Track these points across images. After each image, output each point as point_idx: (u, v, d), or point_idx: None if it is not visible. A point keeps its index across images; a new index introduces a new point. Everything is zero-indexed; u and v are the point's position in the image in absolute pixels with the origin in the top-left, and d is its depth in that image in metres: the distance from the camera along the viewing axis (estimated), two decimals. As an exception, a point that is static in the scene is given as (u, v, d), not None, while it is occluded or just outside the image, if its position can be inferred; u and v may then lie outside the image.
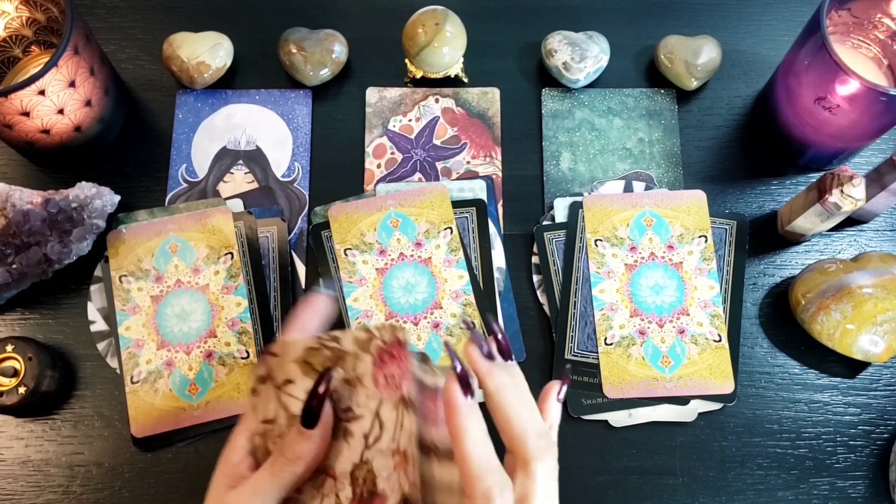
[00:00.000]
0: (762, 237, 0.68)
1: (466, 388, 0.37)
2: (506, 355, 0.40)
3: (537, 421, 0.39)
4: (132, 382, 0.62)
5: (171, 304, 0.64)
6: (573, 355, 0.63)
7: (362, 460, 0.39)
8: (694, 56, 0.69)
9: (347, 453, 0.39)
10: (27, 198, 0.63)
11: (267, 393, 0.39)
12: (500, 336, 0.39)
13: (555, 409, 0.41)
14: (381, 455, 0.39)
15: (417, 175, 0.69)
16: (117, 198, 0.65)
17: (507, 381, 0.39)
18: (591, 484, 0.61)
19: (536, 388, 0.63)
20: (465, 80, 0.72)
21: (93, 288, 0.65)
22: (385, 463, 0.38)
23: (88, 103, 0.64)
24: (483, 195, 0.68)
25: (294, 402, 0.37)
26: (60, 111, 0.62)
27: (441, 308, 0.64)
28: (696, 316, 0.64)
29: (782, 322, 0.65)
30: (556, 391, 0.41)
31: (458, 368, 0.37)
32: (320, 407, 0.37)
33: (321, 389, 0.37)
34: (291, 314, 0.43)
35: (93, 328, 0.64)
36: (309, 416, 0.37)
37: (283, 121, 0.71)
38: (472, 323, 0.40)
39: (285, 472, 0.38)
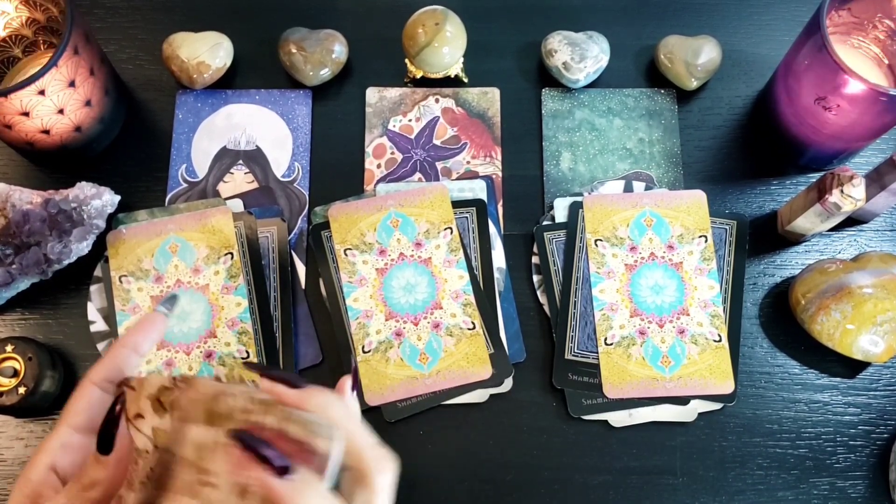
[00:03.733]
0: (762, 237, 0.68)
1: (282, 472, 0.33)
2: (293, 384, 0.36)
3: (367, 434, 0.37)
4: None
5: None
6: (573, 355, 0.63)
7: None
8: (694, 56, 0.69)
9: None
10: (27, 198, 0.63)
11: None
12: (281, 378, 0.36)
13: (353, 404, 0.40)
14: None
15: (417, 175, 0.69)
16: (117, 198, 0.65)
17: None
18: (591, 484, 0.61)
19: (537, 388, 0.64)
20: (465, 80, 0.72)
21: (93, 288, 0.65)
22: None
23: (88, 103, 0.64)
24: (483, 195, 0.68)
25: (140, 436, 0.36)
26: (60, 111, 0.62)
27: (441, 308, 0.64)
28: (696, 316, 0.64)
29: (782, 322, 0.65)
30: (348, 386, 0.40)
31: (264, 454, 0.33)
32: (114, 432, 0.36)
33: (116, 413, 0.36)
34: (127, 331, 0.42)
35: (93, 328, 0.64)
36: (104, 442, 0.37)
37: (283, 121, 0.71)
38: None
39: (81, 497, 0.37)
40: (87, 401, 0.40)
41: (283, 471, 0.33)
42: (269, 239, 0.66)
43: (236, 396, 0.35)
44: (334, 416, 0.36)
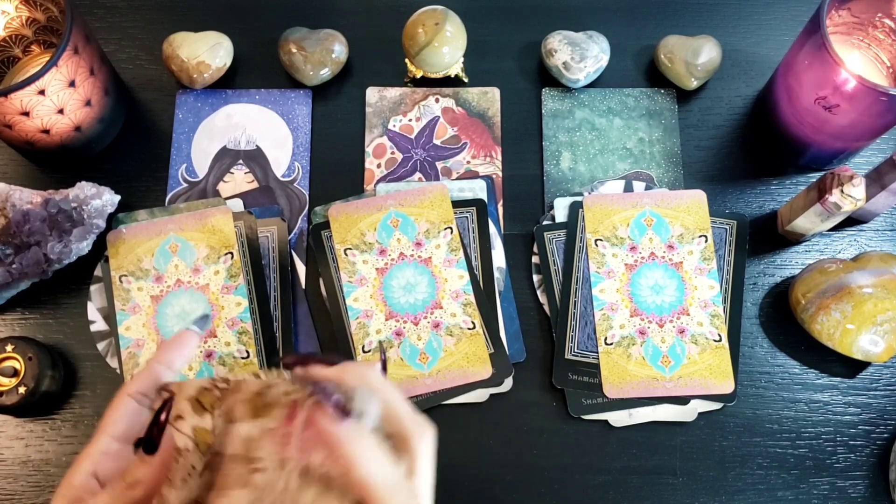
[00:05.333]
0: (762, 237, 0.68)
1: (341, 413, 0.35)
2: (330, 362, 0.39)
3: (404, 402, 0.39)
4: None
5: (171, 304, 0.64)
6: (573, 355, 0.63)
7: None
8: (694, 56, 0.69)
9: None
10: (27, 198, 0.63)
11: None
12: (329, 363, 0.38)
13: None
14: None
15: (417, 175, 0.69)
16: (117, 198, 0.65)
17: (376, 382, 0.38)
18: (591, 484, 0.61)
19: (537, 388, 0.64)
20: (465, 80, 0.72)
21: (93, 288, 0.65)
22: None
23: (88, 103, 0.64)
24: (483, 195, 0.68)
25: (180, 436, 0.38)
26: (60, 111, 0.62)
27: (441, 308, 0.64)
28: (697, 316, 0.64)
29: (782, 322, 0.65)
30: (380, 365, 0.42)
31: (327, 396, 0.35)
32: (161, 434, 0.38)
33: (163, 417, 0.38)
34: (160, 347, 0.44)
35: (93, 328, 0.64)
36: (150, 443, 0.38)
37: (283, 121, 0.71)
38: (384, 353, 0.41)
39: (124, 496, 0.38)
40: (125, 411, 0.41)
41: (340, 410, 0.35)
42: (269, 239, 0.66)
43: (279, 385, 0.37)
44: (373, 384, 0.38)
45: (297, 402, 0.35)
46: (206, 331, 0.46)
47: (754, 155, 0.71)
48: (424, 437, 0.38)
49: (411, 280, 0.65)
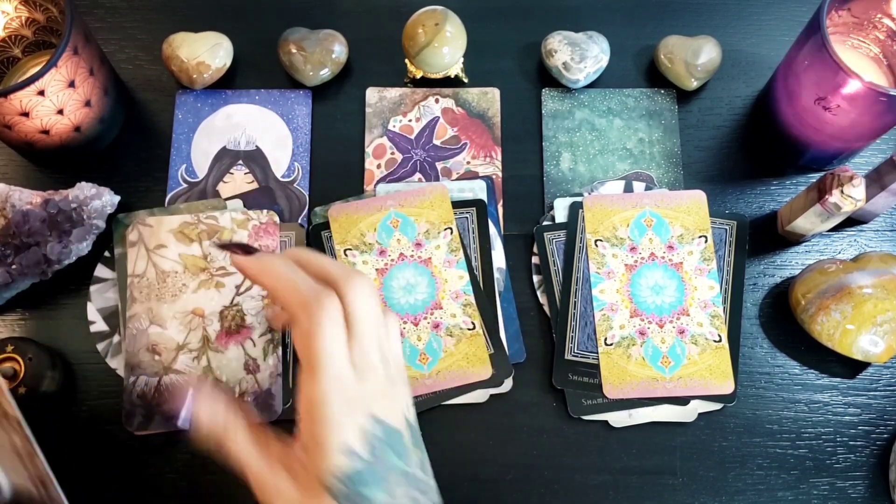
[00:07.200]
0: (762, 237, 0.68)
1: (248, 251, 0.45)
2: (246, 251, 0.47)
3: (328, 259, 0.46)
4: None
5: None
6: (573, 355, 0.63)
7: (232, 304, 0.61)
8: (694, 56, 0.69)
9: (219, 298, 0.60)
10: (27, 198, 0.63)
11: (138, 252, 0.57)
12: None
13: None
14: (250, 299, 0.62)
15: (417, 175, 0.69)
16: (117, 198, 0.65)
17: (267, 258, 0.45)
18: (591, 484, 0.61)
19: (537, 388, 0.64)
20: (465, 80, 0.72)
21: (93, 288, 0.65)
22: (254, 304, 0.61)
23: (88, 103, 0.64)
24: (483, 195, 0.68)
25: (164, 261, 0.49)
26: (60, 111, 0.62)
27: (441, 308, 0.64)
28: (696, 316, 0.64)
29: (782, 322, 0.65)
30: None
31: (234, 245, 0.46)
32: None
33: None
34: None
35: (93, 328, 0.64)
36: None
37: (283, 121, 0.71)
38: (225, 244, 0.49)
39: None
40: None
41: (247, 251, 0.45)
42: (286, 245, 0.66)
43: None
44: (296, 254, 0.46)
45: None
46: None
47: (754, 155, 0.71)
48: (354, 286, 0.42)
49: (411, 280, 0.65)
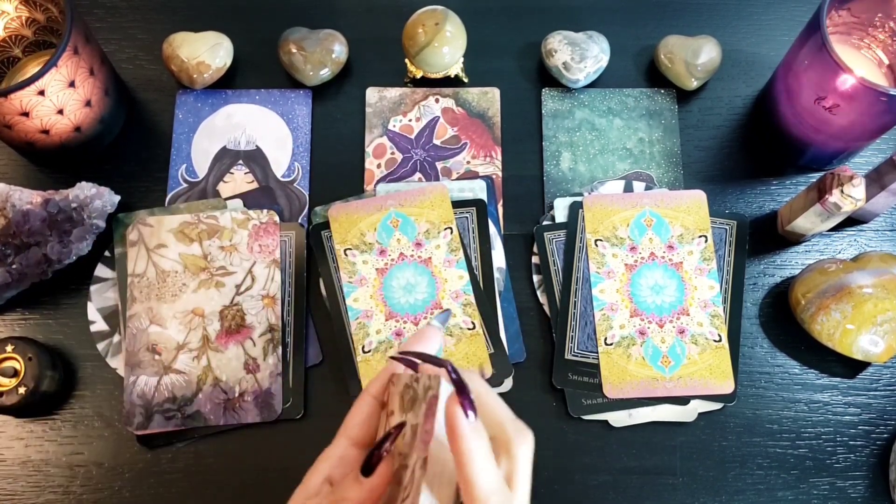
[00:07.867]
0: (762, 237, 0.68)
1: (467, 404, 0.36)
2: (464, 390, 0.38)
3: (506, 408, 0.39)
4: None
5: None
6: (573, 355, 0.63)
7: (232, 303, 0.58)
8: (694, 56, 0.69)
9: (219, 298, 0.57)
10: (27, 198, 0.63)
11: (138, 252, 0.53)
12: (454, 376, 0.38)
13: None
14: (250, 299, 0.60)
15: (417, 175, 0.69)
16: (117, 198, 0.65)
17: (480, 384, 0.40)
18: (591, 484, 0.61)
19: (537, 388, 0.64)
20: (465, 80, 0.72)
21: (93, 288, 0.65)
22: (254, 304, 0.58)
23: (88, 103, 0.64)
24: (483, 195, 0.68)
25: (164, 261, 0.42)
26: (60, 111, 0.62)
27: (441, 308, 0.64)
28: (696, 316, 0.64)
29: (782, 322, 0.65)
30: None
31: (458, 386, 0.36)
32: (380, 461, 0.38)
33: (387, 447, 0.38)
34: (403, 346, 0.43)
35: (93, 328, 0.64)
36: (368, 466, 0.38)
37: (283, 121, 0.71)
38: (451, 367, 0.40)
39: None
40: (367, 414, 0.41)
41: (471, 407, 0.36)
42: (286, 244, 0.66)
43: (422, 378, 0.39)
44: (477, 388, 0.38)
45: (437, 398, 0.36)
46: (446, 326, 0.46)
47: (754, 155, 0.71)
48: (525, 444, 0.38)
49: (411, 280, 0.65)
